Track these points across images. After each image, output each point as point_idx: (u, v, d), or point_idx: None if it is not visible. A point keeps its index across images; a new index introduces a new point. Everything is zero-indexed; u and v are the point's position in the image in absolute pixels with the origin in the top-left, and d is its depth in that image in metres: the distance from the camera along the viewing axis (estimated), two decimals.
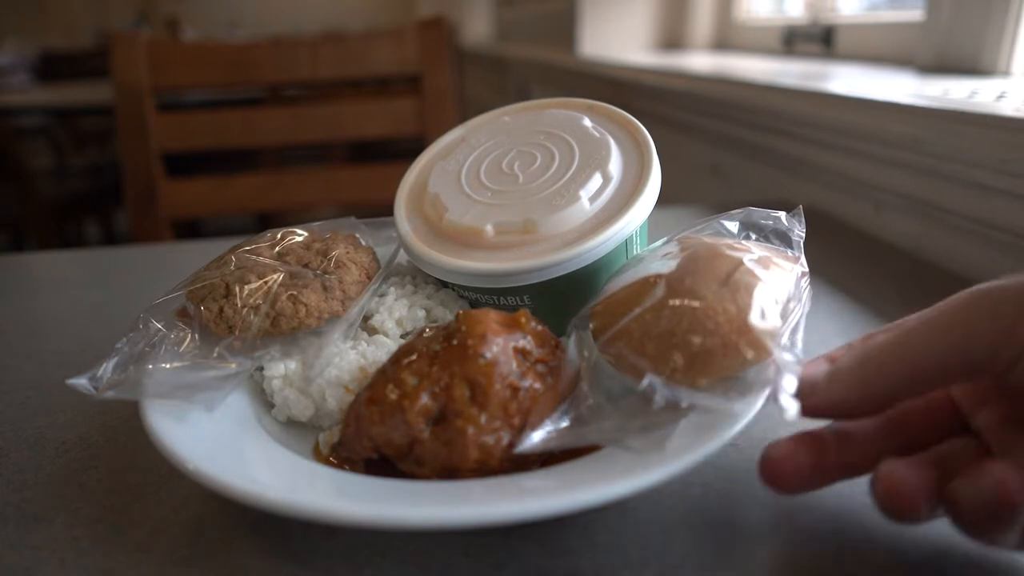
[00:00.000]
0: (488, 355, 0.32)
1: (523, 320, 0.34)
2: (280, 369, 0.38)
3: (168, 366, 0.36)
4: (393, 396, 0.32)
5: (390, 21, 4.59)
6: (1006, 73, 0.76)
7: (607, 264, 0.39)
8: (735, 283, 0.32)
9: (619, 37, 1.60)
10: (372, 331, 0.41)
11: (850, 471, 0.29)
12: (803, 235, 0.38)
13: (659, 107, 1.26)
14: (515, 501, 0.27)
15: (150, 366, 0.35)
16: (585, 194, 0.40)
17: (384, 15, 4.72)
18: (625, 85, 1.34)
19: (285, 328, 0.37)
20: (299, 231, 0.44)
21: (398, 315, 0.41)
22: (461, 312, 0.34)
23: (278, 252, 0.42)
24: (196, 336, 0.37)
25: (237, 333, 0.37)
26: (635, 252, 0.42)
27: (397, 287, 0.43)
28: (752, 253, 0.34)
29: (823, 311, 0.54)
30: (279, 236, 0.43)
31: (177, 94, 1.95)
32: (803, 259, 0.37)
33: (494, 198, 0.42)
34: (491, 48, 2.68)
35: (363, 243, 0.45)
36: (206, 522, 0.33)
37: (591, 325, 0.35)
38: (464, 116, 0.68)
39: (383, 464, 0.33)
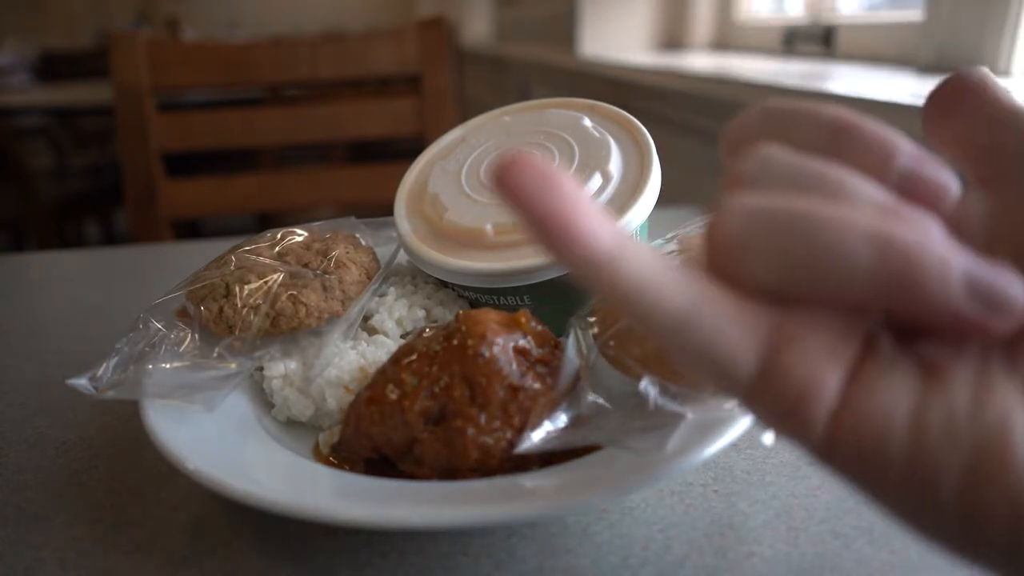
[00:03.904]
0: (488, 355, 0.32)
1: (523, 320, 0.34)
2: (280, 369, 0.38)
3: (168, 366, 0.36)
4: (393, 396, 0.32)
5: (390, 21, 4.58)
6: (1006, 73, 0.76)
7: None
8: None
9: (619, 37, 1.60)
10: (372, 331, 0.41)
11: None
12: None
13: (659, 107, 1.26)
14: (515, 501, 0.27)
15: (150, 366, 0.35)
16: None
17: (384, 15, 4.72)
18: (625, 85, 1.34)
19: (285, 328, 0.37)
20: (299, 231, 0.44)
21: (398, 315, 0.41)
22: (461, 312, 0.34)
23: (278, 252, 0.42)
24: (196, 336, 0.37)
25: (237, 333, 0.37)
26: None
27: (397, 287, 0.43)
28: None
29: None
30: (279, 236, 0.43)
31: (177, 94, 1.95)
32: None
33: (494, 198, 0.42)
34: (491, 48, 2.68)
35: (363, 243, 0.45)
36: (206, 522, 0.33)
37: (591, 325, 0.35)
38: (464, 116, 0.68)
39: (383, 464, 0.33)
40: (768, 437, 0.28)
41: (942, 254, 0.16)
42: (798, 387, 0.16)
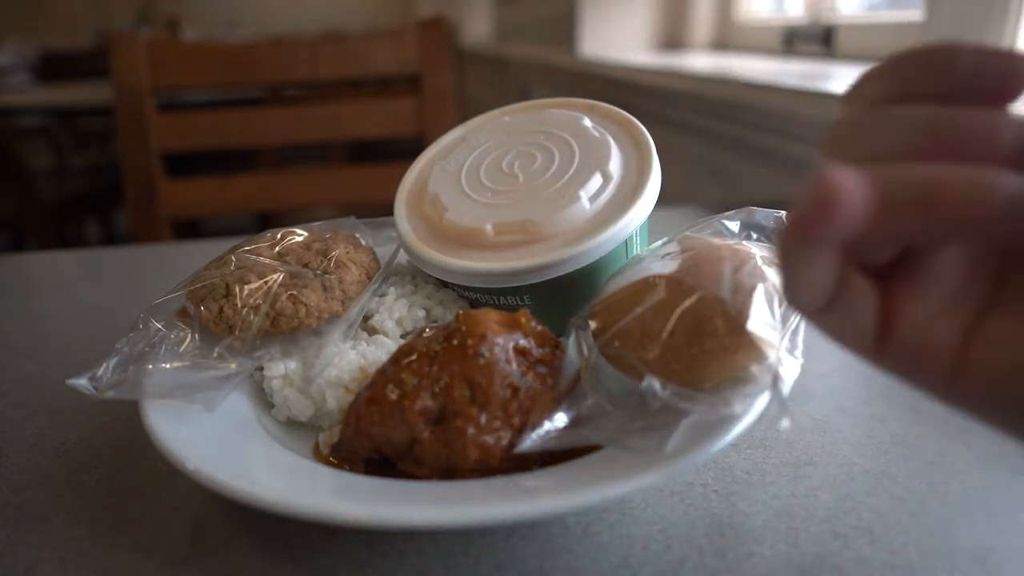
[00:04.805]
0: (488, 355, 0.32)
1: (523, 320, 0.34)
2: (280, 369, 0.38)
3: (168, 366, 0.36)
4: (393, 396, 0.32)
5: (390, 21, 4.58)
6: None
7: (607, 264, 0.39)
8: (736, 285, 0.32)
9: (619, 37, 1.60)
10: (372, 331, 0.41)
11: None
12: None
13: (659, 107, 1.26)
14: (515, 501, 0.27)
15: (150, 366, 0.35)
16: (585, 194, 0.39)
17: (384, 15, 4.71)
18: (625, 85, 1.34)
19: (285, 328, 0.37)
20: (299, 231, 0.44)
21: (398, 315, 0.41)
22: (461, 312, 0.34)
23: (278, 252, 0.42)
24: (196, 336, 0.37)
25: (237, 333, 0.37)
26: (635, 252, 0.42)
27: (397, 287, 0.43)
28: (753, 254, 0.34)
29: None
30: (279, 236, 0.43)
31: (177, 94, 1.94)
32: None
33: (494, 198, 0.42)
34: (491, 48, 2.68)
35: (363, 243, 0.45)
36: (206, 522, 0.33)
37: (591, 325, 0.35)
38: (464, 116, 0.68)
39: (383, 464, 0.33)
40: (784, 423, 0.28)
41: None
42: (915, 352, 0.20)
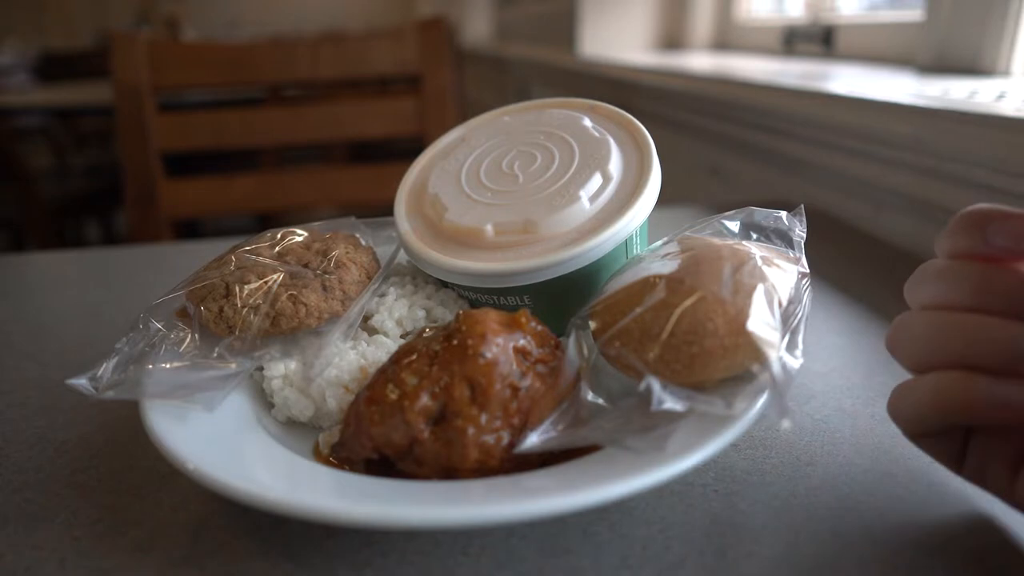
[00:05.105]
0: (488, 355, 0.32)
1: (523, 320, 0.34)
2: (280, 369, 0.38)
3: (168, 366, 0.36)
4: (393, 396, 0.32)
5: (390, 21, 4.59)
6: (1006, 73, 0.76)
7: (607, 264, 0.39)
8: (736, 285, 0.32)
9: (619, 37, 1.60)
10: (372, 331, 0.41)
11: None
12: (804, 235, 0.38)
13: (659, 107, 1.26)
14: (515, 501, 0.27)
15: (150, 366, 0.35)
16: (585, 194, 0.39)
17: (384, 15, 4.72)
18: (625, 85, 1.34)
19: (285, 328, 0.37)
20: (299, 231, 0.44)
21: (398, 315, 0.41)
22: (461, 312, 0.34)
23: (278, 252, 0.42)
24: (196, 336, 0.37)
25: (237, 333, 0.37)
26: (635, 252, 0.42)
27: (397, 287, 0.43)
28: (753, 254, 0.34)
29: (823, 311, 0.54)
30: (279, 236, 0.43)
31: (177, 94, 1.95)
32: (804, 260, 0.37)
33: (494, 198, 0.42)
34: (491, 48, 2.68)
35: (363, 243, 0.45)
36: (206, 522, 0.33)
37: (591, 325, 0.35)
38: (464, 116, 0.68)
39: (383, 464, 0.33)
40: (785, 423, 0.28)
41: None
42: (980, 472, 0.29)
